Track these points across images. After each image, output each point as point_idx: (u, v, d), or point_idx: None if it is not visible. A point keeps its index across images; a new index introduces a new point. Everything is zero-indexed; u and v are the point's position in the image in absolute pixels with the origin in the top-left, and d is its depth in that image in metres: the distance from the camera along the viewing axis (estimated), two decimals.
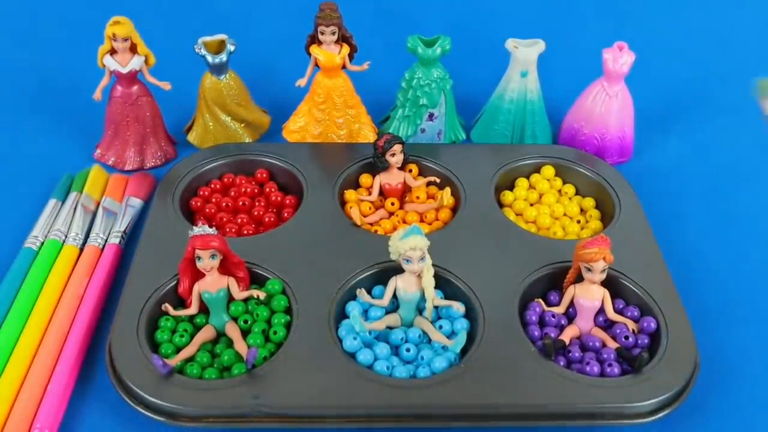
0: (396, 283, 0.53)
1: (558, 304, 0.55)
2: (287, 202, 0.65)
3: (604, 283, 0.53)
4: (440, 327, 0.53)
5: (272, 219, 0.63)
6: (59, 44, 0.88)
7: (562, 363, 0.51)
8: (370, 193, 0.65)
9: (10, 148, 0.74)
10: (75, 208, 0.63)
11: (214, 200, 0.65)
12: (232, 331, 0.52)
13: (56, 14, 0.92)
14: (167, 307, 0.53)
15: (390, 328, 0.53)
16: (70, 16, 0.91)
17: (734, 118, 0.80)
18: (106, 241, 0.61)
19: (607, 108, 0.70)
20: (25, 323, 0.53)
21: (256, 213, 0.64)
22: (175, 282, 0.54)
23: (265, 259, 0.56)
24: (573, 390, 0.48)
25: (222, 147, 0.70)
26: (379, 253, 0.55)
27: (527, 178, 0.68)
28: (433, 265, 0.53)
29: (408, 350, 0.51)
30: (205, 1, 0.95)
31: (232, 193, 0.66)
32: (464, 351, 0.51)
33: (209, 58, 0.68)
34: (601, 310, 0.53)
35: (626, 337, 0.52)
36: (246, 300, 0.53)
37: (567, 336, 0.52)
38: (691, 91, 0.84)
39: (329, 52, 0.68)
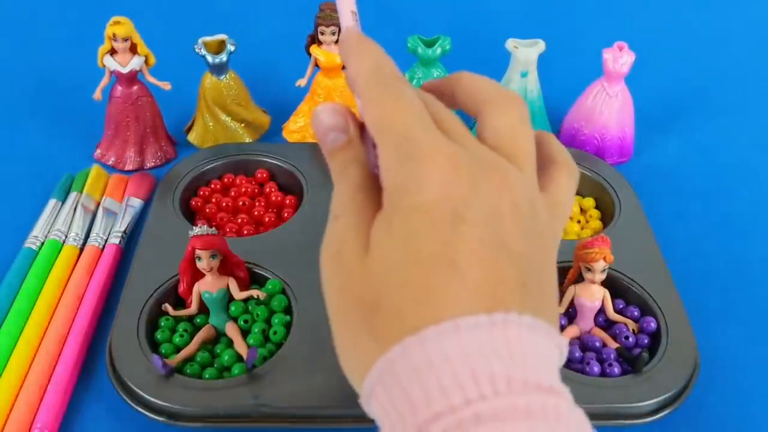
0: None
1: (558, 304, 0.55)
2: (287, 202, 0.65)
3: (604, 283, 0.53)
4: None
5: (272, 219, 0.63)
6: (59, 44, 0.88)
7: None
8: None
9: (10, 148, 0.74)
10: (75, 208, 0.63)
11: (214, 200, 0.65)
12: (232, 331, 0.52)
13: (56, 14, 0.92)
14: (167, 307, 0.53)
15: None
16: (70, 16, 0.91)
17: (734, 118, 0.80)
18: (106, 241, 0.61)
19: (607, 108, 0.70)
20: (25, 323, 0.53)
21: (256, 213, 0.64)
22: (175, 282, 0.54)
23: (265, 259, 0.56)
24: (573, 390, 0.48)
25: (222, 147, 0.70)
26: None
27: None
28: None
29: None
30: (205, 1, 0.95)
31: (232, 193, 0.66)
32: None
33: (209, 58, 0.68)
34: (602, 310, 0.53)
35: (626, 337, 0.52)
36: (246, 300, 0.53)
37: (567, 336, 0.52)
38: (691, 91, 0.84)
39: (329, 52, 0.68)
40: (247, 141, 0.73)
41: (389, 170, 0.26)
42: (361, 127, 0.30)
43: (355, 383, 0.27)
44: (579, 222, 0.64)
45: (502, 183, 0.26)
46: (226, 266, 0.53)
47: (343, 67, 0.70)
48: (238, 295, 0.53)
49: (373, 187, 0.28)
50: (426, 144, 0.26)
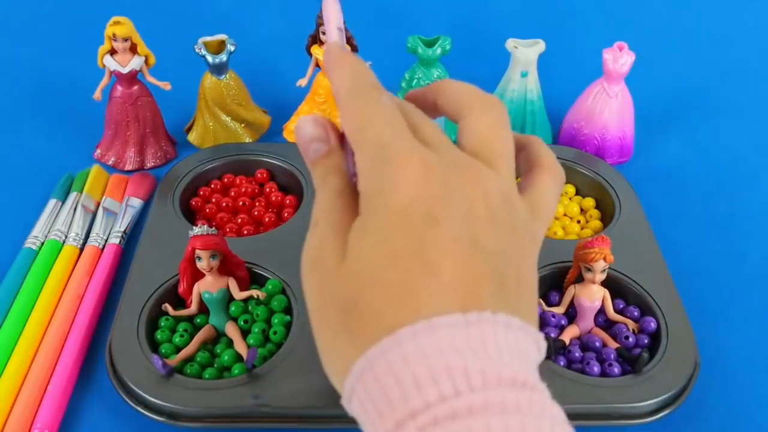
0: None
1: (558, 304, 0.55)
2: (287, 202, 0.65)
3: (605, 283, 0.53)
4: None
5: (272, 219, 0.63)
6: (59, 44, 0.88)
7: (562, 363, 0.51)
8: None
9: (10, 148, 0.74)
10: (75, 208, 0.63)
11: (214, 200, 0.65)
12: (232, 331, 0.52)
13: (56, 14, 0.92)
14: (167, 307, 0.53)
15: None
16: (70, 16, 0.91)
17: (734, 118, 0.80)
18: (106, 241, 0.61)
19: (607, 108, 0.70)
20: (25, 323, 0.53)
21: (256, 213, 0.64)
22: (175, 282, 0.54)
23: (265, 259, 0.56)
24: (573, 390, 0.48)
25: (222, 147, 0.70)
26: None
27: None
28: None
29: None
30: (205, 1, 0.95)
31: (232, 193, 0.66)
32: None
33: (209, 58, 0.68)
34: (602, 310, 0.53)
35: (626, 337, 0.52)
36: (246, 300, 0.53)
37: (567, 336, 0.52)
38: (691, 91, 0.84)
39: None
40: (247, 141, 0.73)
41: (365, 174, 0.27)
42: (342, 138, 0.31)
43: (336, 383, 0.27)
44: (579, 222, 0.64)
45: (475, 183, 0.27)
46: (226, 266, 0.53)
47: None
48: (238, 295, 0.53)
49: (352, 195, 0.29)
50: (400, 149, 0.27)
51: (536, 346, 0.26)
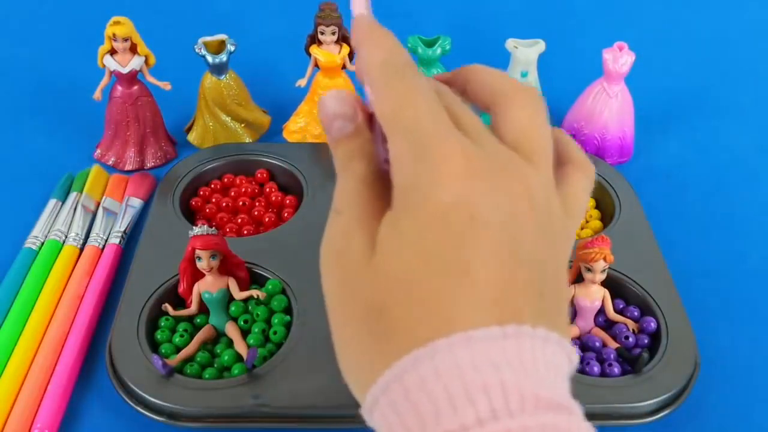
0: None
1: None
2: (287, 202, 0.65)
3: (605, 283, 0.53)
4: None
5: (272, 219, 0.63)
6: (59, 44, 0.88)
7: None
8: None
9: (10, 148, 0.74)
10: (75, 208, 0.63)
11: (214, 200, 0.65)
12: (232, 331, 0.52)
13: (56, 14, 0.92)
14: (167, 307, 0.53)
15: None
16: (70, 16, 0.91)
17: (734, 118, 0.80)
18: (106, 241, 0.61)
19: (607, 108, 0.70)
20: (25, 323, 0.53)
21: (256, 213, 0.64)
22: (175, 282, 0.54)
23: (265, 259, 0.56)
24: (573, 390, 0.48)
25: (222, 147, 0.70)
26: None
27: None
28: None
29: None
30: (205, 1, 0.95)
31: (232, 193, 0.66)
32: None
33: (209, 58, 0.68)
34: (602, 310, 0.53)
35: (626, 337, 0.52)
36: (246, 300, 0.53)
37: None
38: (691, 91, 0.84)
39: (329, 53, 0.68)
40: (247, 141, 0.73)
41: (401, 167, 0.25)
42: (370, 119, 0.28)
43: (354, 388, 0.26)
44: None
45: (520, 185, 0.25)
46: (226, 266, 0.53)
47: (344, 67, 0.70)
48: (238, 295, 0.53)
49: (380, 183, 0.26)
50: (441, 141, 0.24)
51: (568, 359, 0.25)
